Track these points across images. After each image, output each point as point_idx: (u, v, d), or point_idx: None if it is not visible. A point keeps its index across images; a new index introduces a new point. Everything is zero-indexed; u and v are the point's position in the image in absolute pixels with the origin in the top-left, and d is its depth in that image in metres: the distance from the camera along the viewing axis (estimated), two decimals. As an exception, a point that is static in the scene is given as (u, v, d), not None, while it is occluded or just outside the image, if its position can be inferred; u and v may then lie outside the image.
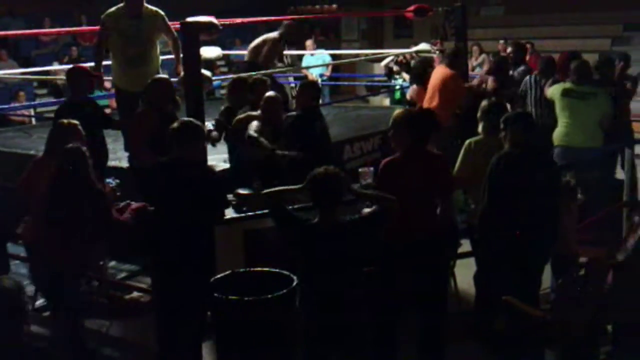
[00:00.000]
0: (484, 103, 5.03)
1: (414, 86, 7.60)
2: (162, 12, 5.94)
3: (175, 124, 4.19)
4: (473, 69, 12.12)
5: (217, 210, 4.20)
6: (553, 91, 6.50)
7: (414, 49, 9.77)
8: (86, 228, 4.23)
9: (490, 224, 4.33)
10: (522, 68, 7.44)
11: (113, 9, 5.90)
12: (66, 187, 4.23)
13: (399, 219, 3.94)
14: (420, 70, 7.48)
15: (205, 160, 4.61)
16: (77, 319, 4.36)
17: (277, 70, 7.46)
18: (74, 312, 4.33)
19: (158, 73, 5.89)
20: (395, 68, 9.99)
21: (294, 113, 5.62)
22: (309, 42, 12.20)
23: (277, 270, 4.00)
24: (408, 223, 3.99)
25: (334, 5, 16.17)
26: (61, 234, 4.17)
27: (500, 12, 15.20)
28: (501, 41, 12.28)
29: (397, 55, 10.07)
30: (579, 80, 6.33)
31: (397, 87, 9.96)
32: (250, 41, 15.02)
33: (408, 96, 8.05)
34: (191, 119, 4.30)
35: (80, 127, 4.57)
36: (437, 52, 8.81)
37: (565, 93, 6.36)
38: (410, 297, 4.19)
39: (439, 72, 6.97)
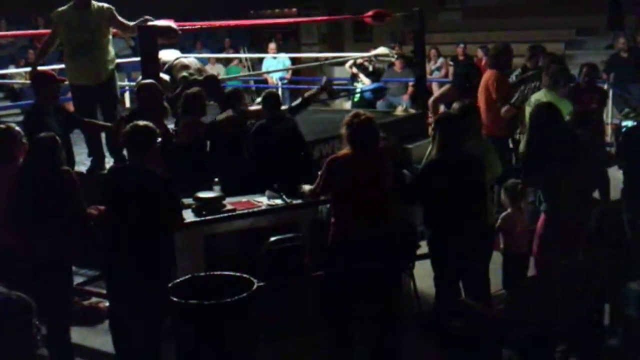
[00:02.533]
0: (456, 105, 5.13)
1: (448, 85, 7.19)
2: (111, 7, 6.01)
3: (127, 129, 4.12)
4: (431, 73, 12.28)
5: (174, 216, 4.17)
6: None
7: (373, 52, 9.86)
8: (58, 218, 4.15)
9: (430, 227, 4.48)
10: None
11: (62, 7, 5.99)
12: (35, 177, 4.19)
13: (346, 217, 4.04)
14: (463, 74, 7.17)
15: (159, 164, 4.49)
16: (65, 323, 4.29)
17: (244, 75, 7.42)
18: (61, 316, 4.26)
19: (106, 66, 5.94)
20: (354, 70, 10.05)
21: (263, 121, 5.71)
22: (271, 46, 12.20)
23: (238, 274, 4.02)
24: (355, 221, 4.08)
25: (294, 10, 16.20)
26: (33, 224, 4.11)
27: (458, 16, 15.40)
28: (461, 45, 12.47)
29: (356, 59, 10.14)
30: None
31: (358, 90, 10.03)
32: (211, 45, 14.95)
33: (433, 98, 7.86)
34: (145, 123, 4.17)
35: (20, 132, 4.49)
36: (396, 55, 8.92)
37: None
38: (361, 300, 4.24)
39: (485, 75, 6.92)
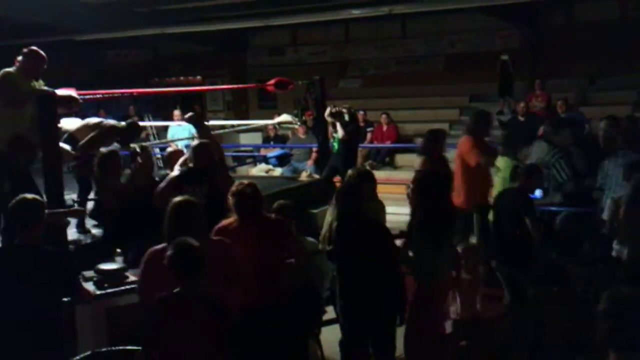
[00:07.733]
0: (351, 172, 5.43)
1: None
2: None
3: (12, 203, 3.80)
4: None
5: (76, 289, 4.05)
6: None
7: (277, 120, 10.02)
8: None
9: (339, 291, 4.59)
10: None
11: None
12: None
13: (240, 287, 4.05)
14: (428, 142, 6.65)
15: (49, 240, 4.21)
16: None
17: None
18: None
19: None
20: (330, 119, 9.10)
21: None
22: (176, 113, 12.15)
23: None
24: (249, 291, 4.11)
25: (199, 77, 16.31)
26: None
27: (357, 84, 15.93)
28: (360, 111, 12.89)
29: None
30: None
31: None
32: (115, 112, 14.72)
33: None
34: (33, 196, 3.90)
35: None
36: (298, 123, 9.10)
37: None
38: None
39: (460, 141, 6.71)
